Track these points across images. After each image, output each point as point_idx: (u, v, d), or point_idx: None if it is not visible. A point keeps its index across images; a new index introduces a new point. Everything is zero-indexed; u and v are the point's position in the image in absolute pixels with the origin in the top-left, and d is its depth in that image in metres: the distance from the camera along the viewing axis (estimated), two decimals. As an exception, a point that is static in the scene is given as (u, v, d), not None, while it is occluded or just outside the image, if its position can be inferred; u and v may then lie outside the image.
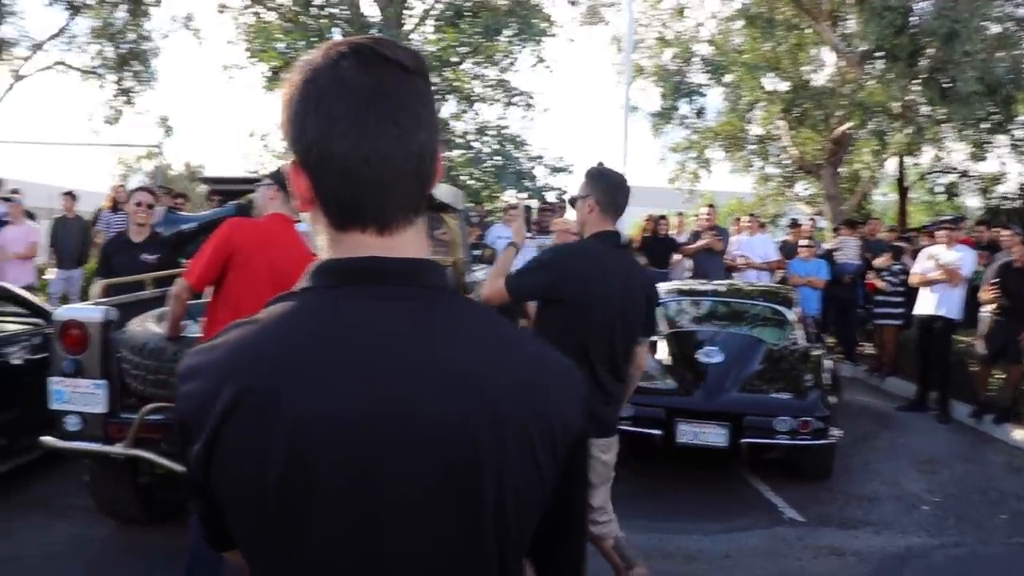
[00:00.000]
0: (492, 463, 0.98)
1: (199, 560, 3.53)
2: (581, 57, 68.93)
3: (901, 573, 4.92)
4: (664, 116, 17.87)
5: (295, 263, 3.74)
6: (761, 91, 17.28)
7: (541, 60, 16.01)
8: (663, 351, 7.04)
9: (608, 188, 3.58)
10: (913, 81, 14.20)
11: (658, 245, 11.77)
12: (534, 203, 12.52)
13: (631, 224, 13.77)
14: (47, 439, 4.52)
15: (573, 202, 3.68)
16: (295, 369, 0.98)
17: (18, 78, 19.16)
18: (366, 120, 1.00)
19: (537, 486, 1.03)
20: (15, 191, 10.42)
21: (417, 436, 0.97)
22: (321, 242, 1.08)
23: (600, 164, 3.77)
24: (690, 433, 6.16)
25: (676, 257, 11.67)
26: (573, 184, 19.59)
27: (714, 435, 6.12)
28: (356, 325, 1.01)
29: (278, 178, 3.94)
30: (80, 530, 5.10)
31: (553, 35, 15.84)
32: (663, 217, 12.11)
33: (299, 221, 4.11)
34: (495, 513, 0.99)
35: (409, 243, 1.06)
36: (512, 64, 16.17)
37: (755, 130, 19.08)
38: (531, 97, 16.21)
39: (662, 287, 8.50)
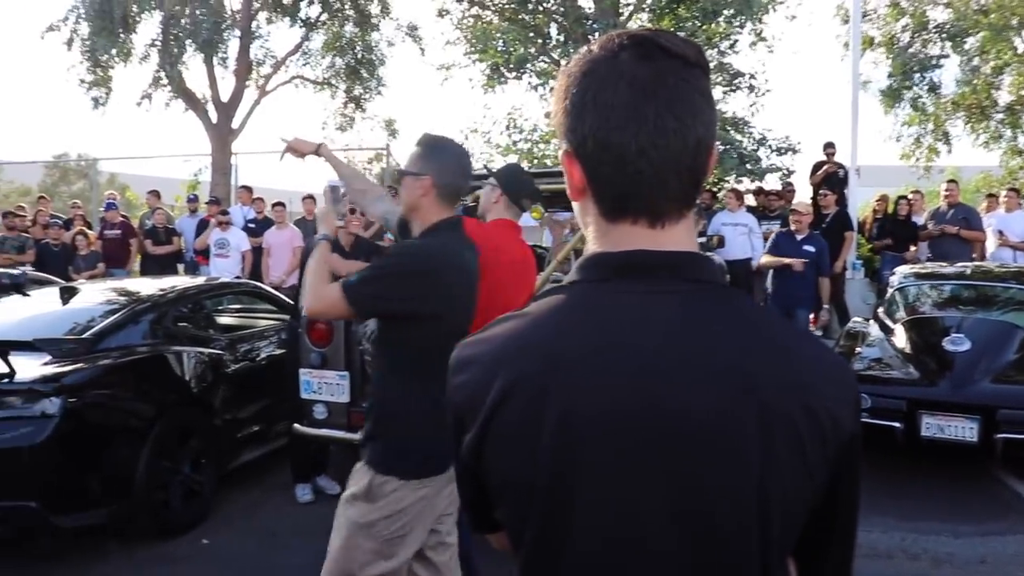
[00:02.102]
0: (758, 459, 0.96)
1: None
2: (803, 32, 65.75)
3: None
4: (893, 95, 16.74)
5: (522, 270, 3.74)
6: (1012, 54, 15.79)
7: (761, 38, 15.46)
8: (901, 338, 6.62)
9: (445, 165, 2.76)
10: None
11: (899, 227, 11.07)
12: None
13: (862, 206, 12.99)
14: (298, 426, 4.88)
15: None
16: (565, 361, 1.01)
17: (263, 93, 20.83)
18: (645, 111, 1.00)
19: (805, 485, 1.00)
20: (279, 204, 11.36)
21: (684, 430, 0.97)
22: (590, 233, 1.09)
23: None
24: (935, 427, 5.76)
25: (912, 249, 10.95)
26: (801, 164, 18.78)
27: (963, 429, 5.68)
28: (625, 319, 1.01)
29: (501, 179, 3.82)
30: (327, 510, 5.49)
31: (774, 9, 15.21)
32: (903, 198, 11.36)
33: (519, 226, 4.05)
34: (759, 511, 0.97)
35: (680, 237, 1.05)
36: (732, 46, 15.72)
37: (1004, 97, 17.47)
38: (753, 78, 15.70)
39: (900, 271, 8.00)
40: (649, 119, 1.00)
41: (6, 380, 4.19)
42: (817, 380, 1.01)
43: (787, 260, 7.91)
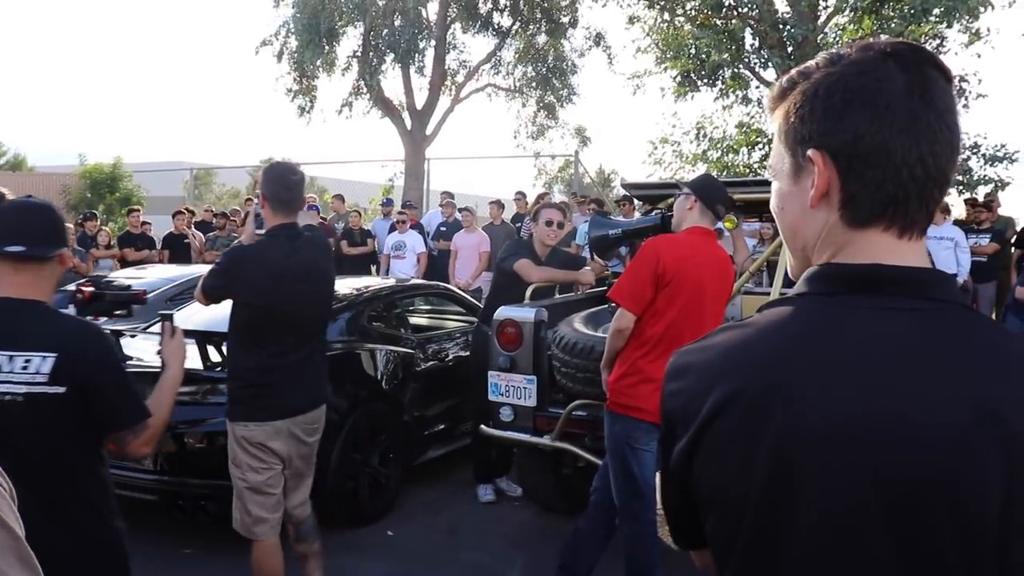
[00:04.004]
0: (1001, 501, 0.88)
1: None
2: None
3: None
4: None
5: (720, 277, 3.70)
6: None
7: (977, 36, 14.32)
8: None
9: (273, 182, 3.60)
10: None
11: None
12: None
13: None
14: (484, 428, 4.95)
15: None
16: (789, 375, 0.97)
17: (456, 101, 21.47)
18: (927, 118, 0.99)
19: None
20: (466, 208, 11.66)
21: (915, 464, 0.90)
22: (821, 242, 1.05)
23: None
24: None
25: None
26: (1017, 174, 17.34)
27: None
28: (855, 334, 0.97)
29: (695, 187, 3.78)
30: (507, 511, 5.55)
31: (1009, 2, 13.96)
32: None
33: (720, 232, 3.97)
34: (999, 558, 0.89)
35: (921, 251, 1.03)
36: (941, 45, 14.64)
37: None
38: (964, 81, 14.55)
39: None
40: (931, 126, 0.99)
41: (218, 369, 4.46)
42: None
43: None
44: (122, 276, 8.87)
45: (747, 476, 0.97)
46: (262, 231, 3.67)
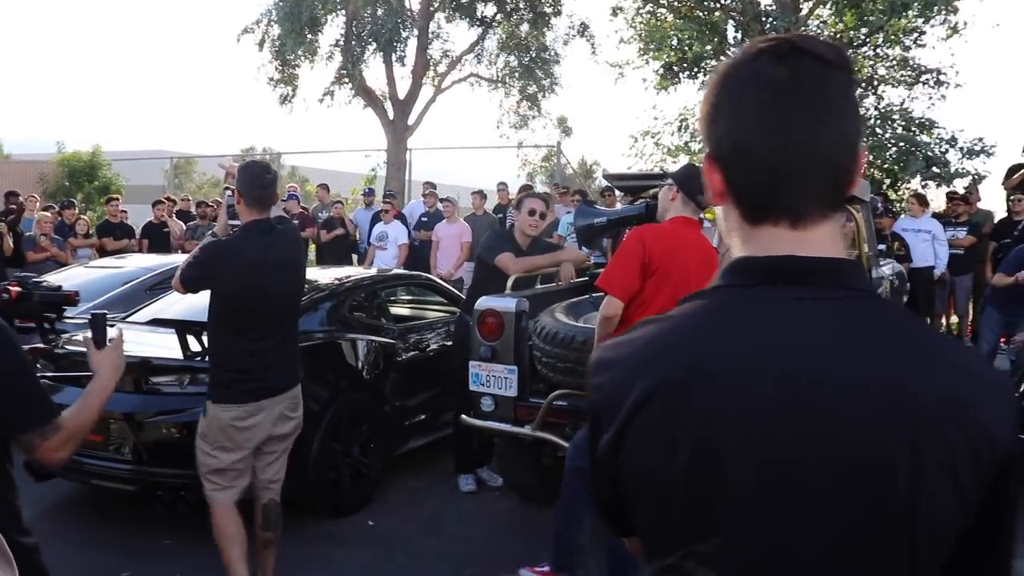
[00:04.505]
0: (908, 474, 0.93)
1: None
2: (1005, 22, 59.97)
3: None
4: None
5: (704, 265, 3.73)
6: None
7: (955, 31, 14.41)
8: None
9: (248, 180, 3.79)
10: None
11: None
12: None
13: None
14: (465, 418, 4.95)
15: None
16: (708, 368, 1.00)
17: (439, 91, 21.40)
18: (780, 111, 1.00)
19: (956, 504, 0.96)
20: (448, 199, 11.65)
21: (831, 438, 0.95)
22: (734, 238, 1.10)
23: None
24: None
25: None
26: (995, 167, 17.42)
27: None
28: (772, 325, 1.00)
29: (678, 178, 3.87)
30: (488, 501, 5.56)
31: None
32: None
33: (702, 221, 4.03)
34: (908, 525, 0.94)
35: (825, 239, 1.04)
36: (919, 38, 14.71)
37: None
38: (941, 74, 14.63)
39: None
40: (784, 118, 1.00)
41: (198, 359, 4.44)
42: (974, 395, 0.97)
43: None
44: (103, 264, 8.82)
45: (672, 462, 1.00)
46: (236, 222, 3.89)
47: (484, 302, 4.85)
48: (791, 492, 0.96)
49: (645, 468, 1.03)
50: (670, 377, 1.01)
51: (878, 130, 14.67)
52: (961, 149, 13.72)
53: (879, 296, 1.06)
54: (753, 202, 1.05)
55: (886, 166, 14.53)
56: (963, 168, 13.56)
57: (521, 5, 20.64)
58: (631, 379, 1.04)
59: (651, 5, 16.20)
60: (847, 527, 0.95)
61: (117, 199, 12.84)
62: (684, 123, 16.50)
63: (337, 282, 6.02)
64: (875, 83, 15.38)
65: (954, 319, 11.78)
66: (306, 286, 5.85)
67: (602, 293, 5.31)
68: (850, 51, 14.68)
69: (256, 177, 3.82)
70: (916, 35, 14.94)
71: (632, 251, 3.66)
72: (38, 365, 4.91)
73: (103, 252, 11.27)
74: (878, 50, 15.41)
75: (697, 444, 0.98)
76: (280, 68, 20.57)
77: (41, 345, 2.83)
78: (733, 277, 1.07)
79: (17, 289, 2.71)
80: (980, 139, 13.76)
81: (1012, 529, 1.04)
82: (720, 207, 1.11)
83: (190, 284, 3.83)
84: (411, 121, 20.83)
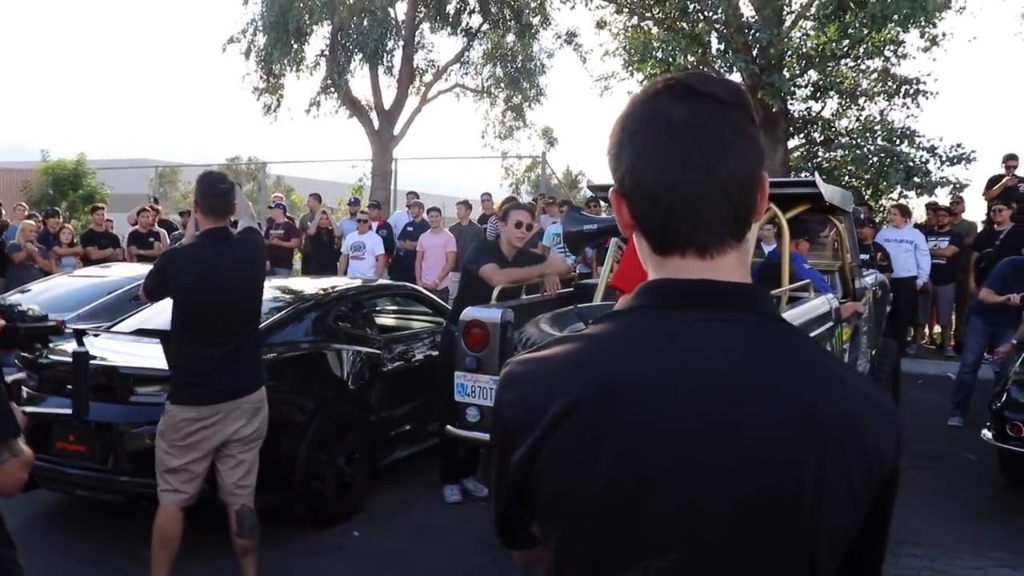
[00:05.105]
0: (814, 481, 0.99)
1: None
2: (984, 31, 60.45)
3: None
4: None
5: None
6: None
7: (934, 43, 14.53)
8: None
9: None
10: None
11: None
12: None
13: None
14: (451, 428, 4.95)
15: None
16: (625, 387, 1.03)
17: (424, 101, 21.42)
18: (672, 149, 1.04)
19: (851, 516, 1.04)
20: (434, 209, 11.67)
21: (745, 448, 0.99)
22: (648, 265, 1.14)
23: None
24: None
25: None
26: (976, 175, 17.44)
27: None
28: (688, 345, 1.04)
29: None
30: (473, 511, 5.56)
31: (959, 9, 14.14)
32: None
33: None
34: (811, 531, 1.00)
35: (732, 268, 1.09)
36: (898, 49, 14.81)
37: None
38: (920, 83, 14.74)
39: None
40: (676, 156, 1.04)
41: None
42: (866, 412, 1.05)
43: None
44: (87, 273, 8.77)
45: (591, 476, 1.02)
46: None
47: (469, 313, 4.86)
48: (707, 499, 0.99)
49: (562, 487, 1.05)
50: (586, 397, 1.03)
51: (859, 141, 14.76)
52: (940, 157, 13.76)
53: (785, 320, 1.12)
54: (658, 236, 1.09)
55: (867, 177, 14.61)
56: (943, 177, 13.60)
57: (507, 16, 20.69)
58: (549, 393, 1.06)
59: (636, 18, 16.28)
60: (757, 533, 0.99)
61: (102, 208, 12.77)
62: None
63: (322, 292, 6.02)
64: (856, 96, 15.48)
65: (937, 329, 11.87)
66: (290, 296, 5.90)
67: (588, 303, 5.35)
68: (832, 63, 14.80)
69: (211, 187, 3.98)
70: (896, 46, 15.04)
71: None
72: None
73: (88, 261, 11.22)
74: (859, 62, 15.50)
75: (618, 456, 1.01)
76: (264, 77, 20.53)
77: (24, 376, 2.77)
78: (649, 298, 1.10)
79: (2, 323, 2.66)
80: (959, 145, 13.78)
81: (885, 542, 1.13)
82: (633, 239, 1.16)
83: (151, 292, 4.02)
84: (396, 131, 20.82)
